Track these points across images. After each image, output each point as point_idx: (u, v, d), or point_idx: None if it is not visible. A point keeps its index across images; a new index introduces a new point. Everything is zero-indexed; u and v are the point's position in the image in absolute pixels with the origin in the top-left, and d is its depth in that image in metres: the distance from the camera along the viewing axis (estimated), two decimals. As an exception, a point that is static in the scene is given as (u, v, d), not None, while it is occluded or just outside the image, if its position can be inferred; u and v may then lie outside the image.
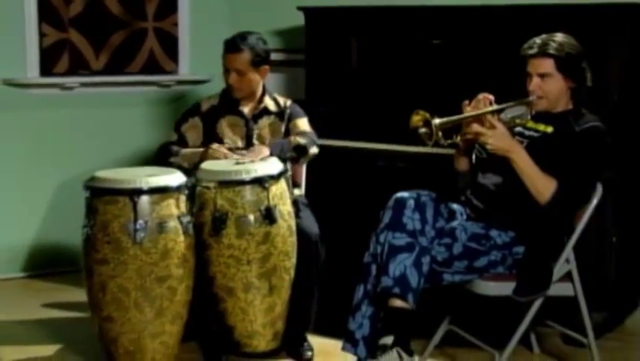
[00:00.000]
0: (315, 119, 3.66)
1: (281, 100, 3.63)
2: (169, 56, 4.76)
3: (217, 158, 3.39)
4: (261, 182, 3.21)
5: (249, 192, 3.20)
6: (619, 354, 3.42)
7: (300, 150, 3.45)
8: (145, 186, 3.08)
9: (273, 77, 4.20)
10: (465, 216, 3.07)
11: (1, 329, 3.73)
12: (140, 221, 3.04)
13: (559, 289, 2.98)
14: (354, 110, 4.03)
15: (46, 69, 4.42)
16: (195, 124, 3.60)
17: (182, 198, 3.17)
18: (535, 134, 3.03)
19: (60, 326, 3.74)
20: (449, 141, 2.96)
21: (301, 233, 3.34)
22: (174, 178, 3.17)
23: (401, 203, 2.93)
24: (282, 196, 3.27)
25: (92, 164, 4.05)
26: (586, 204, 2.96)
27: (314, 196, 3.68)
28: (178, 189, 3.15)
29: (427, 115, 2.88)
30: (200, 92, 4.60)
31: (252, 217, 3.19)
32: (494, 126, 2.92)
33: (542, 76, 2.98)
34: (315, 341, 3.43)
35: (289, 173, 3.37)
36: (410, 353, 2.83)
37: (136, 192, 3.06)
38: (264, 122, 3.58)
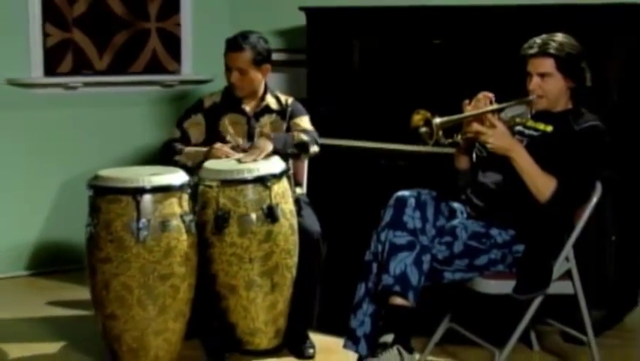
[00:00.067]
0: (316, 119, 3.66)
1: (282, 98, 3.64)
2: (172, 55, 4.77)
3: (220, 157, 3.41)
4: (263, 181, 3.22)
5: (251, 191, 3.22)
6: (618, 351, 3.43)
7: (302, 147, 3.47)
8: (148, 185, 3.10)
9: (274, 77, 4.21)
10: (465, 215, 3.08)
11: (6, 326, 3.74)
12: (143, 220, 3.06)
13: (558, 287, 2.98)
14: (356, 110, 4.04)
15: (49, 69, 4.44)
16: (198, 121, 3.61)
17: (185, 196, 3.18)
18: (535, 134, 3.04)
19: (64, 324, 3.75)
20: (450, 140, 2.97)
21: (303, 231, 3.35)
22: (177, 177, 3.18)
23: (402, 202, 2.93)
24: (284, 195, 3.29)
25: (96, 163, 4.07)
26: (585, 202, 2.97)
27: (315, 195, 3.69)
28: (181, 188, 3.16)
29: (428, 114, 2.88)
30: (203, 91, 4.60)
31: (254, 216, 3.21)
32: (494, 125, 2.93)
33: (542, 75, 2.98)
34: (316, 338, 3.43)
35: (291, 172, 3.39)
36: (410, 351, 2.84)
37: (139, 191, 3.08)
38: (266, 120, 3.59)
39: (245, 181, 3.22)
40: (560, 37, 3.00)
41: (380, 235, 2.94)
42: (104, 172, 3.21)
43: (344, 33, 4.14)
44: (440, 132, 2.88)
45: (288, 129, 3.58)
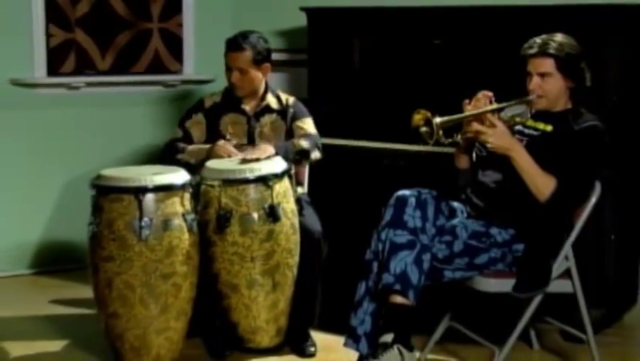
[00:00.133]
0: (317, 119, 3.67)
1: (283, 97, 3.64)
2: (174, 56, 4.78)
3: (223, 155, 3.42)
4: (264, 180, 3.23)
5: (252, 191, 3.23)
6: (617, 350, 3.43)
7: (303, 154, 3.48)
8: (150, 185, 3.11)
9: (275, 77, 4.23)
10: (465, 214, 3.08)
11: (9, 325, 3.75)
12: (145, 219, 3.07)
13: (558, 286, 2.98)
14: (356, 110, 4.04)
15: (53, 69, 4.45)
16: (199, 120, 3.62)
17: (187, 196, 3.19)
18: (535, 133, 3.04)
19: (67, 322, 3.75)
20: (450, 140, 2.97)
21: (304, 231, 3.36)
22: (179, 176, 3.19)
23: (402, 201, 2.94)
24: (285, 194, 3.30)
25: (98, 162, 4.09)
26: (585, 202, 2.97)
27: (316, 194, 3.70)
28: (183, 187, 3.17)
29: (428, 114, 2.89)
30: (205, 91, 4.60)
31: (255, 215, 3.23)
32: (494, 125, 2.93)
33: (542, 75, 2.99)
34: (317, 336, 3.44)
35: (292, 171, 3.40)
36: (411, 349, 2.85)
37: (141, 191, 3.09)
38: (266, 119, 3.60)
39: (247, 181, 3.23)
40: (559, 37, 3.01)
41: (380, 234, 2.95)
42: (107, 172, 3.22)
43: (344, 33, 4.14)
44: (440, 132, 2.89)
45: (291, 132, 3.58)
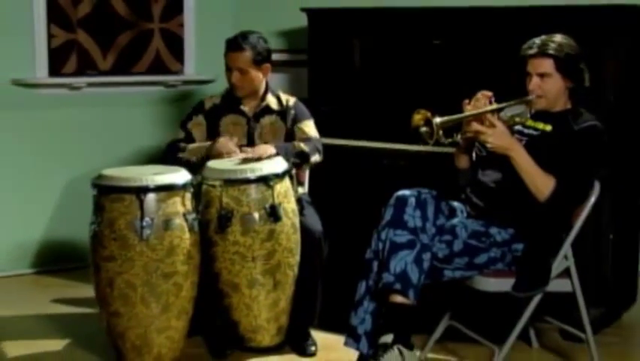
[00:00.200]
0: (317, 119, 3.67)
1: (284, 98, 3.64)
2: (175, 56, 4.79)
3: (222, 152, 3.42)
4: (265, 180, 3.24)
5: (254, 191, 3.24)
6: (616, 349, 3.44)
7: (303, 157, 3.48)
8: (151, 184, 3.11)
9: (276, 77, 4.23)
10: (465, 214, 3.09)
11: (11, 324, 3.75)
12: (147, 218, 3.08)
13: (557, 285, 2.99)
14: (356, 110, 4.04)
15: (54, 69, 4.46)
16: (200, 122, 3.63)
17: (188, 195, 3.20)
18: (535, 133, 3.05)
19: (68, 321, 3.76)
20: (450, 140, 2.97)
21: (305, 230, 3.37)
22: (180, 176, 3.20)
23: (402, 201, 2.94)
24: (286, 194, 3.31)
25: (99, 162, 4.10)
26: (584, 201, 2.98)
27: (317, 194, 3.70)
28: (184, 187, 3.18)
29: (428, 114, 2.90)
30: (206, 91, 4.63)
31: (256, 215, 3.23)
32: (494, 125, 2.94)
33: (542, 75, 3.00)
34: (318, 335, 3.45)
35: (293, 171, 3.40)
36: (411, 348, 2.86)
37: (142, 190, 3.09)
38: (266, 120, 3.60)
39: (248, 181, 3.24)
40: (558, 38, 3.02)
41: (381, 234, 2.96)
42: (108, 171, 3.23)
43: (345, 34, 4.15)
44: (440, 132, 2.89)
45: (292, 134, 3.58)
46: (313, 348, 3.40)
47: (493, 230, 2.97)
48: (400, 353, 2.82)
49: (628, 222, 3.77)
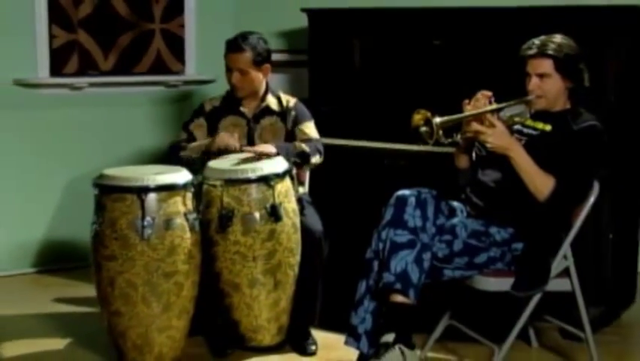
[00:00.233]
0: (317, 119, 3.67)
1: (284, 98, 3.64)
2: (175, 56, 4.80)
3: (221, 145, 3.42)
4: (266, 180, 3.25)
5: (254, 190, 3.25)
6: (616, 348, 3.44)
7: (303, 157, 3.48)
8: (152, 184, 3.12)
9: (277, 78, 4.24)
10: (465, 214, 3.10)
11: (13, 323, 3.76)
12: (148, 218, 3.09)
13: (557, 284, 3.00)
14: (356, 110, 4.05)
15: (56, 70, 4.46)
16: (201, 123, 3.64)
17: (189, 195, 3.21)
18: (534, 133, 3.05)
19: (70, 321, 3.77)
20: (450, 140, 2.98)
21: (305, 230, 3.38)
22: (181, 176, 3.21)
23: (402, 200, 2.95)
24: (287, 194, 3.31)
25: (100, 162, 4.10)
26: (583, 201, 2.98)
27: (317, 194, 3.71)
28: (184, 186, 3.18)
29: (428, 114, 2.90)
30: (206, 91, 4.64)
31: (257, 215, 3.24)
32: (494, 125, 2.94)
33: (541, 76, 3.00)
34: (318, 335, 3.46)
35: (294, 171, 3.41)
36: (412, 347, 2.86)
37: (143, 190, 3.10)
38: (266, 121, 3.60)
39: (248, 181, 3.24)
40: (558, 38, 3.02)
41: (381, 234, 2.96)
42: (109, 171, 3.24)
43: (345, 34, 4.15)
44: (440, 132, 2.90)
45: (292, 135, 3.59)
46: (314, 347, 3.41)
47: (493, 230, 2.98)
48: (402, 352, 2.82)
49: (628, 222, 3.78)
